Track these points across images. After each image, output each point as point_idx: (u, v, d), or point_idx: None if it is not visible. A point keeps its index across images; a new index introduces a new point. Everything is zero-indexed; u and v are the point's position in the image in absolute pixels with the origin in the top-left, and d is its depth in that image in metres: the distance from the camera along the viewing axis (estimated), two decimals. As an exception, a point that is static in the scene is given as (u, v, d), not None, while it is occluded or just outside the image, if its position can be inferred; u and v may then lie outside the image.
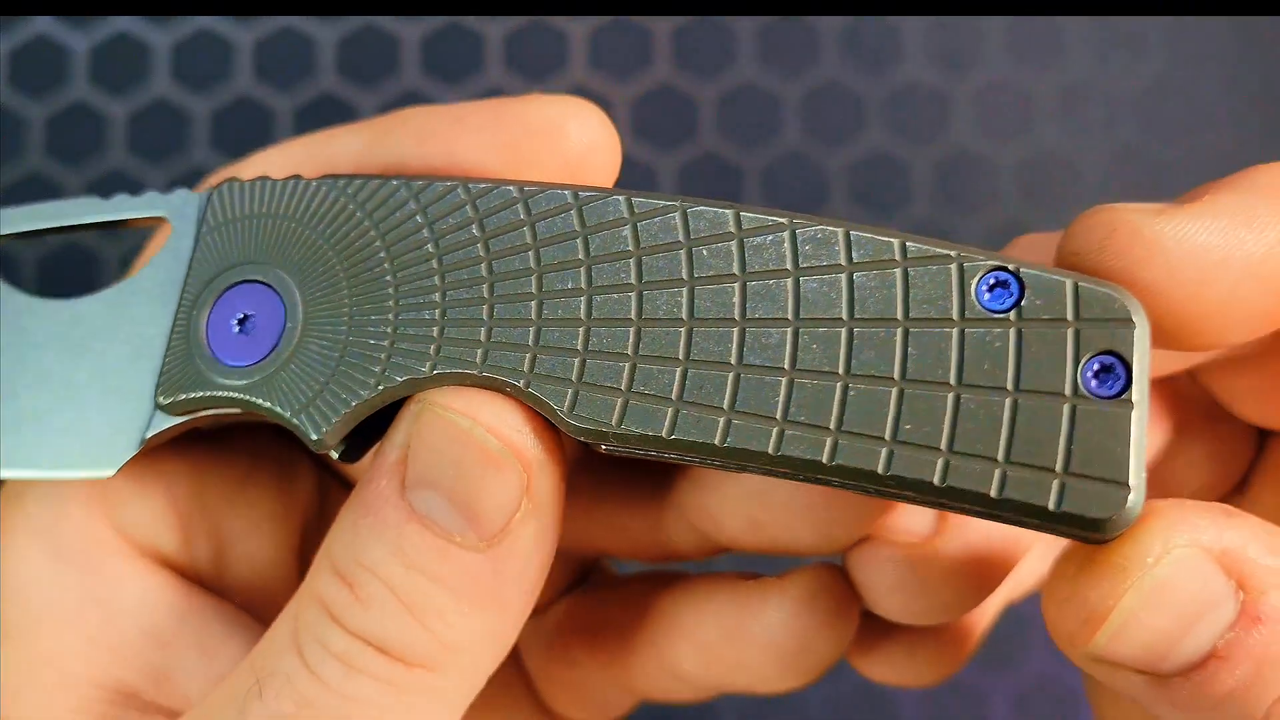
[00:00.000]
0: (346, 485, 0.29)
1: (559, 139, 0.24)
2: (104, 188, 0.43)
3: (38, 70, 0.44)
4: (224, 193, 0.23)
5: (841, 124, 0.43)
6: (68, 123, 0.43)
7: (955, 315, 0.20)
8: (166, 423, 0.23)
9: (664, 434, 0.20)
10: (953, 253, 0.20)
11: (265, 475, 0.27)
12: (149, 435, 0.23)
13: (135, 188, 0.43)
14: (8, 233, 0.24)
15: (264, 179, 0.23)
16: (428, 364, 0.21)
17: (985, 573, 0.25)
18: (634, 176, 0.43)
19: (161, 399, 0.23)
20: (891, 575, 0.25)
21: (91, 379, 0.23)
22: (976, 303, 0.20)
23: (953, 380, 0.20)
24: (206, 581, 0.26)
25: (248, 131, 0.43)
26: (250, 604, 0.27)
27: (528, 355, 0.21)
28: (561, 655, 0.29)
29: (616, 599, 0.29)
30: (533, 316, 0.21)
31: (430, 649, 0.21)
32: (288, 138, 0.44)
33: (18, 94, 0.43)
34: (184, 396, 0.23)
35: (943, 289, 0.20)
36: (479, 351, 0.21)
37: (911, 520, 0.25)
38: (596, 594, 0.29)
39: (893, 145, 0.43)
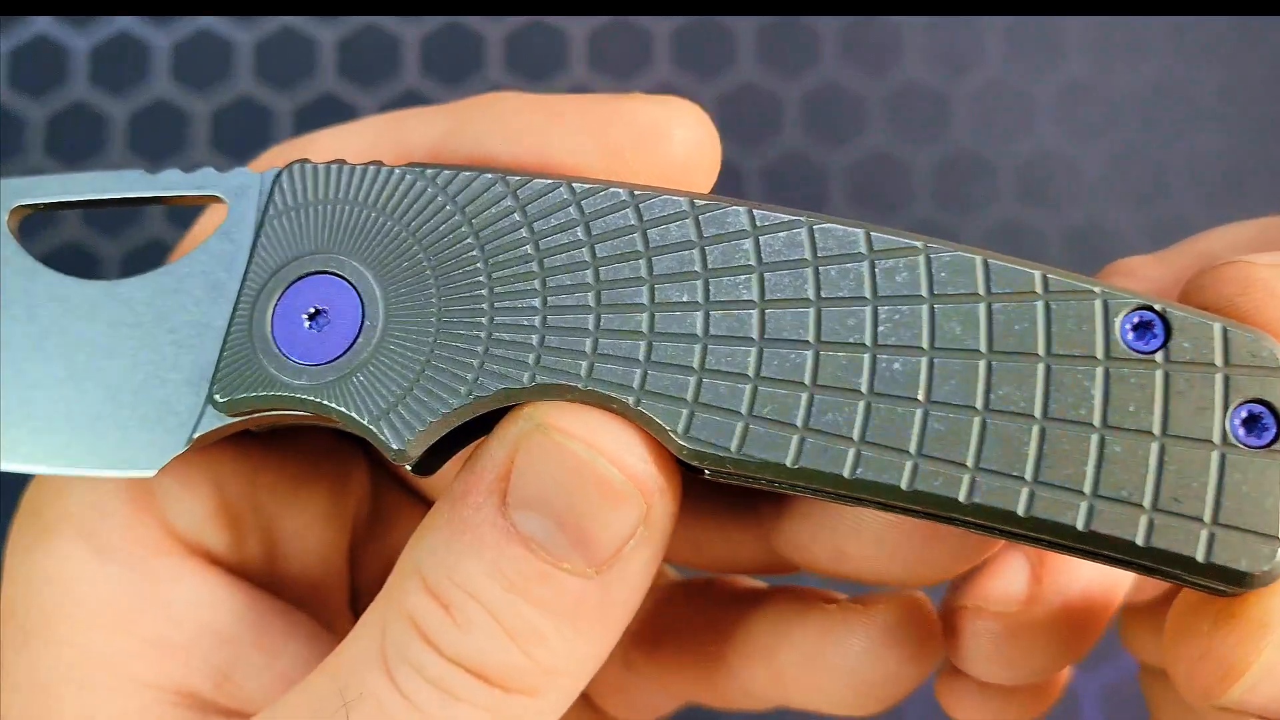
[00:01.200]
0: (399, 482, 0.28)
1: (665, 143, 0.22)
2: (104, 188, 0.43)
3: (38, 70, 0.44)
4: (294, 175, 0.22)
5: (841, 124, 0.43)
6: (68, 123, 0.43)
7: (1099, 353, 0.19)
8: (218, 422, 0.21)
9: (788, 463, 0.19)
10: (1096, 288, 0.19)
11: (320, 473, 0.26)
12: (197, 435, 0.21)
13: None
14: (48, 201, 0.23)
15: (339, 162, 0.22)
16: (526, 374, 0.20)
17: (1082, 631, 0.25)
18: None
19: (218, 396, 0.21)
20: (989, 646, 0.24)
21: (134, 368, 0.22)
22: (1120, 341, 0.19)
23: (1096, 421, 0.19)
24: (255, 579, 0.25)
25: (248, 132, 0.43)
26: (300, 600, 0.26)
27: (638, 370, 0.20)
28: (619, 657, 0.28)
29: (680, 607, 0.28)
30: (644, 329, 0.20)
31: (530, 675, 0.20)
32: (288, 138, 0.44)
33: (18, 94, 0.43)
34: (244, 395, 0.21)
35: (1085, 325, 0.19)
36: (584, 364, 0.20)
37: (1006, 584, 0.25)
38: (656, 599, 0.28)
39: (893, 145, 0.43)
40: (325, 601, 0.26)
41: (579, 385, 0.20)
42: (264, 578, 0.25)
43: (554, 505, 0.20)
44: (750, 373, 0.20)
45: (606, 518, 0.20)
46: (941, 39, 0.44)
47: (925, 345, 0.20)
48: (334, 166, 0.22)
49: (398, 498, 0.29)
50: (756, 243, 0.20)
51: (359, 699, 0.20)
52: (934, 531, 0.24)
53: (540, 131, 0.23)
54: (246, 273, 0.22)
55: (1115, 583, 0.25)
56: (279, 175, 0.22)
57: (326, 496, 0.26)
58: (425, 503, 0.29)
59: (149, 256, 0.43)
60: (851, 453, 0.19)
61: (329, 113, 0.43)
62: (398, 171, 0.21)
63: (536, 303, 0.20)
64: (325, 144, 0.24)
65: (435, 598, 0.20)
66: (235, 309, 0.21)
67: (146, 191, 0.23)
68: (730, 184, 0.43)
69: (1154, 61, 0.44)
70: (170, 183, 0.23)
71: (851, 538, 0.24)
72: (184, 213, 0.43)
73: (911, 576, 0.24)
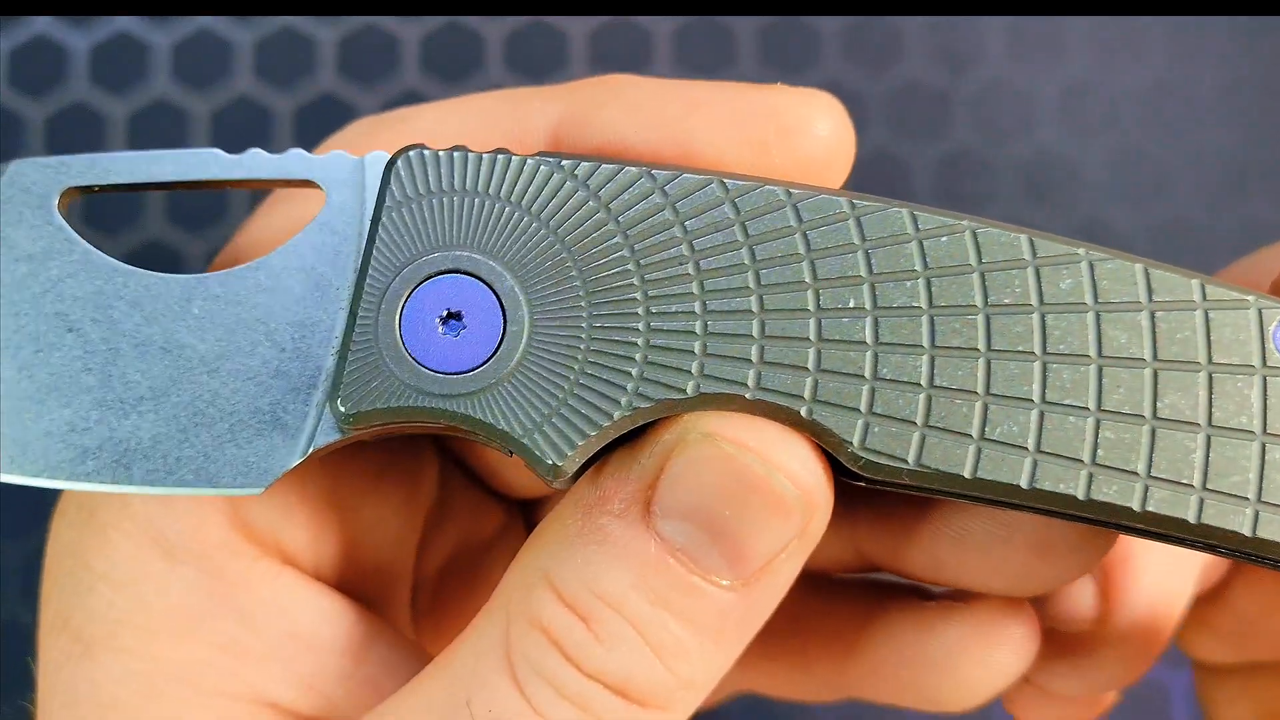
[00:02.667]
0: (463, 471, 0.27)
1: (809, 137, 0.22)
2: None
3: (38, 70, 0.43)
4: (412, 163, 0.20)
5: (842, 124, 0.43)
6: (68, 123, 0.43)
7: (1255, 362, 0.19)
8: (336, 435, 0.20)
9: (965, 474, 0.19)
10: (1250, 297, 0.19)
11: (397, 463, 0.25)
12: (313, 449, 0.20)
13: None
14: (124, 183, 0.21)
15: (461, 149, 0.20)
16: (690, 383, 0.19)
17: (1149, 645, 0.25)
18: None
19: (343, 408, 0.19)
20: (1062, 662, 0.25)
21: (229, 375, 0.20)
22: (1276, 350, 0.19)
23: (1257, 429, 0.19)
24: (329, 578, 0.24)
25: (247, 131, 0.43)
26: (369, 598, 0.24)
27: (809, 379, 0.19)
28: None
29: None
30: (811, 336, 0.19)
31: (669, 689, 0.20)
32: (288, 138, 0.44)
33: (18, 94, 0.43)
34: (376, 408, 0.19)
35: (1242, 334, 0.19)
36: (751, 372, 0.19)
37: (1077, 602, 0.25)
38: None
39: (893, 144, 0.43)
40: (391, 598, 0.25)
41: (746, 395, 0.19)
42: (337, 577, 0.24)
43: (710, 517, 0.19)
44: (923, 381, 0.19)
45: (767, 531, 0.19)
46: (942, 39, 0.44)
47: (1092, 353, 0.19)
48: (456, 154, 0.20)
49: (461, 487, 0.27)
50: (920, 246, 0.20)
51: (489, 717, 0.19)
52: (1043, 546, 0.23)
53: (679, 120, 0.21)
54: (364, 271, 0.20)
55: (1178, 596, 0.25)
56: (395, 162, 0.20)
57: (403, 488, 0.25)
58: (488, 493, 0.28)
59: (148, 258, 0.43)
60: (1028, 463, 0.19)
61: (329, 113, 0.43)
62: (531, 161, 0.20)
63: (695, 307, 0.19)
64: (424, 123, 0.23)
65: (573, 610, 0.19)
66: (354, 311, 0.20)
67: (227, 174, 0.21)
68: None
69: (1155, 61, 0.44)
70: (255, 165, 0.21)
71: (952, 548, 0.24)
72: (190, 211, 0.43)
73: (1011, 588, 0.24)
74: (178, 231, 0.43)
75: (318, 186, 0.20)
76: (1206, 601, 0.26)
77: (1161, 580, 0.25)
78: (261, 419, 0.20)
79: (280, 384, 0.20)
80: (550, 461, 0.19)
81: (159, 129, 0.43)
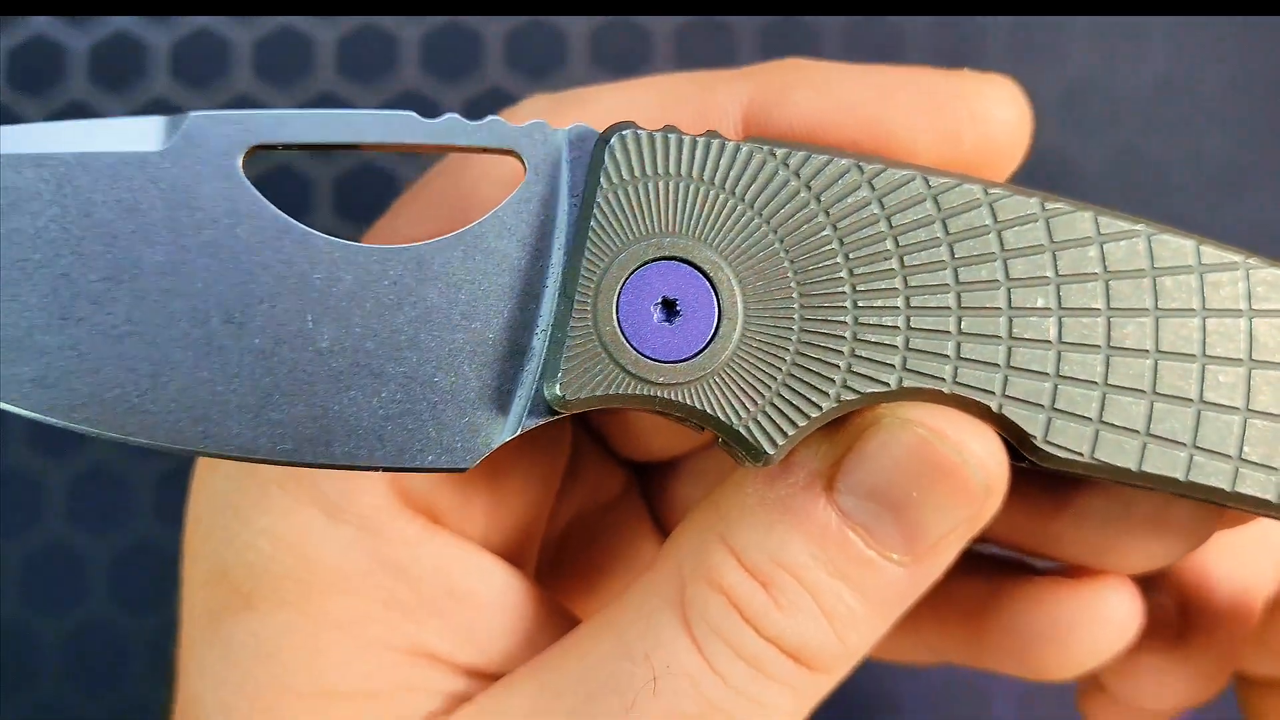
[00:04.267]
0: (591, 434, 0.28)
1: (998, 125, 0.22)
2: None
3: (37, 70, 0.43)
4: (626, 143, 0.19)
5: (842, 124, 0.43)
6: (67, 122, 0.43)
7: None
8: (545, 416, 0.20)
9: (1133, 467, 0.20)
10: None
11: (543, 433, 0.25)
12: (521, 429, 0.20)
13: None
14: (313, 142, 0.20)
15: (673, 131, 0.20)
16: (893, 377, 0.20)
17: (1229, 656, 0.26)
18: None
19: (562, 393, 0.19)
20: (1145, 678, 0.26)
21: (426, 350, 0.19)
22: None
23: None
24: (473, 539, 0.24)
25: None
26: (507, 556, 0.25)
27: (999, 375, 0.20)
28: None
29: None
30: (1002, 334, 0.20)
31: (837, 656, 0.21)
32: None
33: (18, 94, 0.43)
34: (596, 394, 0.19)
35: None
36: (948, 367, 0.20)
37: (1157, 620, 0.26)
38: None
39: (893, 145, 0.43)
40: (526, 558, 0.25)
41: (944, 389, 0.20)
42: (482, 537, 0.24)
43: (895, 496, 0.20)
44: (1099, 379, 0.20)
45: (948, 513, 0.20)
46: (942, 39, 0.44)
47: (1245, 357, 0.20)
48: (670, 136, 0.20)
49: (587, 451, 0.28)
50: (1101, 250, 0.20)
51: (667, 672, 0.20)
52: (1159, 523, 0.24)
53: (874, 106, 0.22)
54: (578, 253, 0.19)
55: (1248, 612, 0.26)
56: (609, 142, 0.19)
57: (546, 452, 0.25)
58: (609, 457, 0.29)
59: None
60: (1184, 456, 0.20)
61: (328, 112, 0.43)
62: (745, 148, 0.20)
63: (899, 302, 0.20)
64: (605, 104, 0.23)
65: (754, 575, 0.20)
66: (569, 295, 0.19)
67: (421, 139, 0.20)
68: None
69: (1155, 61, 0.43)
70: (451, 131, 0.20)
71: (1072, 525, 0.25)
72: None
73: (1123, 564, 0.25)
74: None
75: (517, 156, 0.20)
76: (1264, 613, 0.27)
77: (1238, 586, 0.26)
78: (465, 397, 0.19)
79: (482, 362, 0.19)
80: (769, 451, 0.20)
81: (158, 129, 0.43)
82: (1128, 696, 0.27)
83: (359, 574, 0.22)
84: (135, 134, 0.19)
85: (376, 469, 0.19)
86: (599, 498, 0.29)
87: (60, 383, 0.19)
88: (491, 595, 0.23)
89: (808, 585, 0.20)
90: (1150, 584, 0.26)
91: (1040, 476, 0.22)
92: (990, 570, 0.27)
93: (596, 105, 0.22)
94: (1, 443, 0.42)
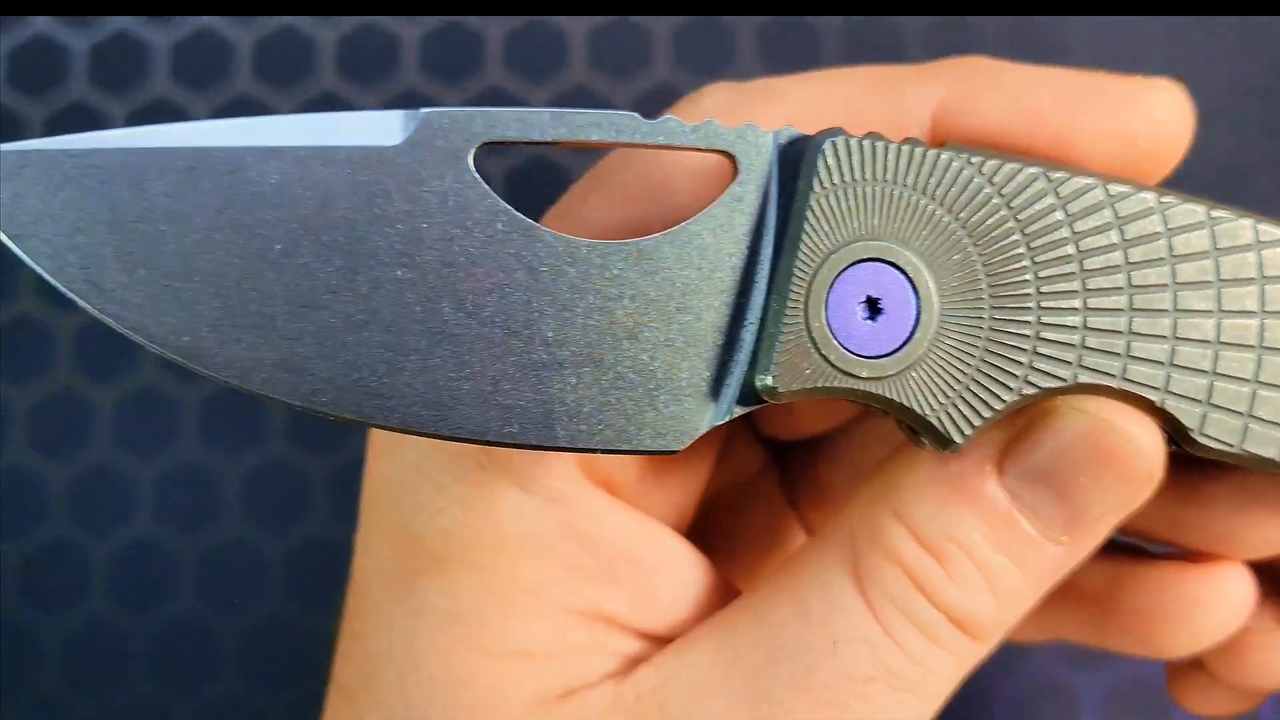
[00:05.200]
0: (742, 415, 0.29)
1: (1172, 131, 0.24)
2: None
3: (38, 70, 0.43)
4: (838, 149, 0.21)
5: (841, 124, 0.43)
6: (68, 123, 0.43)
7: None
8: (751, 404, 0.21)
9: (1276, 457, 0.22)
10: None
11: None
12: (730, 416, 0.21)
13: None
14: (540, 139, 0.21)
15: (878, 139, 0.21)
16: (1069, 372, 0.21)
17: None
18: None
19: (774, 384, 0.21)
20: (1256, 660, 0.27)
21: (645, 339, 0.21)
22: None
23: None
24: (645, 510, 0.25)
25: (247, 131, 0.43)
26: (672, 526, 0.26)
27: (1163, 372, 0.21)
28: None
29: None
30: (1168, 333, 0.21)
31: (996, 625, 0.22)
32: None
33: (18, 94, 0.43)
34: (805, 387, 0.21)
35: None
36: (1118, 364, 0.21)
37: (1263, 606, 0.27)
38: None
39: (893, 145, 0.43)
40: (682, 530, 0.27)
41: (1113, 384, 0.21)
42: (653, 510, 0.26)
43: (1063, 480, 0.22)
44: (1250, 376, 0.22)
45: (1110, 498, 0.22)
46: (941, 39, 0.44)
47: None
48: (876, 143, 0.21)
49: (737, 430, 0.30)
50: (1259, 256, 0.22)
51: (845, 636, 0.22)
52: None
53: (1057, 112, 0.23)
54: (791, 253, 0.21)
55: None
56: (822, 148, 0.21)
57: (713, 430, 0.26)
58: (754, 436, 0.30)
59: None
60: None
61: (329, 112, 0.43)
62: (944, 156, 0.21)
63: (1077, 303, 0.21)
64: (795, 98, 0.24)
65: (928, 550, 0.22)
66: (781, 292, 0.21)
67: (644, 139, 0.21)
68: (730, 184, 0.43)
69: (1154, 61, 0.43)
70: (671, 132, 0.21)
71: (1199, 511, 0.26)
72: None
73: (1241, 550, 0.26)
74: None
75: (730, 156, 0.21)
76: None
77: None
78: (677, 385, 0.21)
79: (695, 352, 0.21)
80: (956, 440, 0.21)
81: (159, 129, 0.43)
82: (1233, 674, 0.28)
83: (547, 541, 0.23)
84: (372, 128, 0.20)
85: (595, 450, 0.21)
86: (740, 474, 0.30)
87: (301, 368, 0.20)
88: (664, 563, 0.24)
89: (977, 561, 0.22)
90: (1258, 566, 0.28)
91: (1172, 466, 0.23)
92: (1111, 553, 0.28)
93: (783, 101, 0.23)
94: (1, 442, 0.42)
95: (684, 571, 0.25)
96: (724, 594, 0.25)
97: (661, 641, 0.24)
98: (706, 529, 0.28)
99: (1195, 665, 0.29)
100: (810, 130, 0.21)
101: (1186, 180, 0.45)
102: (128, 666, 0.41)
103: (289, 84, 0.43)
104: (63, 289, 0.20)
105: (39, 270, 0.20)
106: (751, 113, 0.23)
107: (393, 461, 0.24)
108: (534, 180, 0.43)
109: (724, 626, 0.23)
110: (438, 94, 0.43)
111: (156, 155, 0.20)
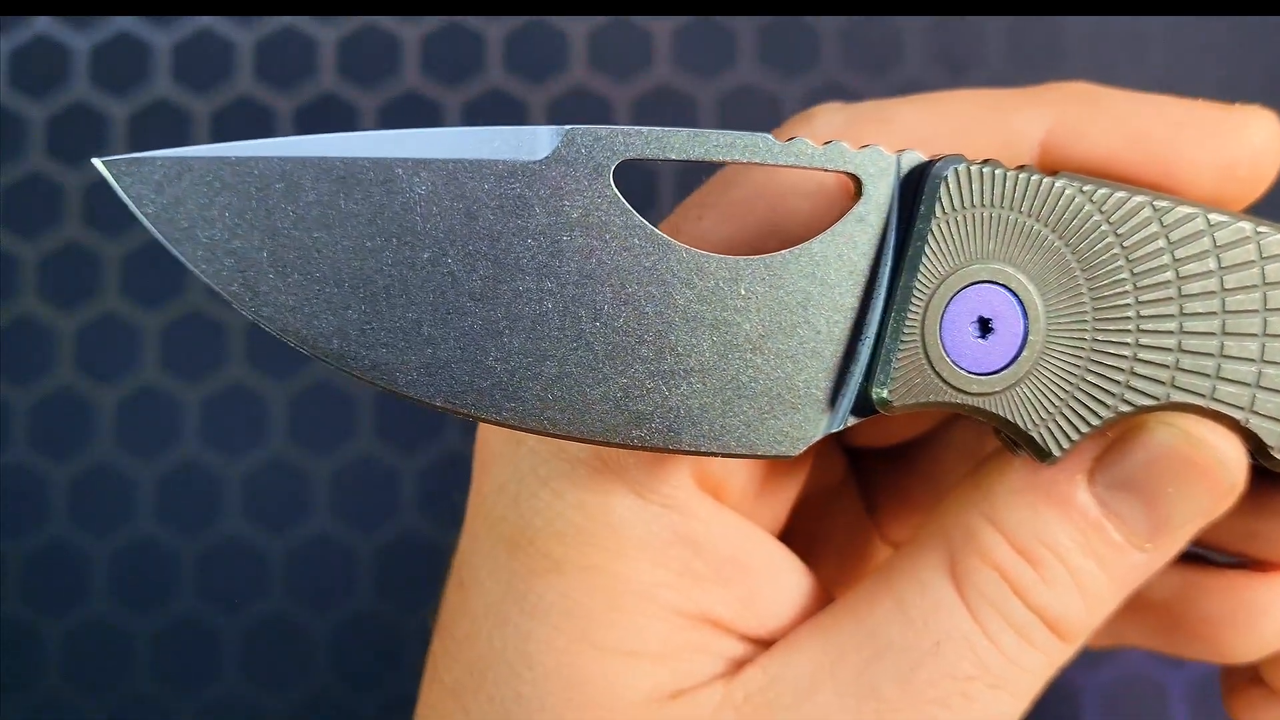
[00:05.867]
0: None
1: (1266, 161, 0.24)
2: (105, 188, 0.43)
3: (38, 70, 0.44)
4: (960, 176, 0.22)
5: (841, 124, 0.43)
6: (68, 123, 0.43)
7: None
8: (865, 414, 0.22)
9: None
10: None
11: None
12: (844, 425, 0.22)
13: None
14: (676, 158, 0.22)
15: (995, 166, 0.22)
16: (1163, 391, 0.22)
17: None
18: (633, 175, 0.43)
19: (889, 396, 0.22)
20: None
21: (773, 351, 0.22)
22: None
23: None
24: (749, 516, 0.26)
25: (248, 131, 0.43)
26: (769, 531, 0.27)
27: (1249, 392, 0.23)
28: None
29: None
30: (1255, 356, 0.23)
31: (1084, 627, 0.23)
32: (288, 138, 0.44)
33: (18, 94, 0.43)
34: (919, 401, 0.22)
35: None
36: (1208, 384, 0.22)
37: None
38: None
39: (893, 145, 0.43)
40: (775, 535, 0.28)
41: (1202, 404, 0.23)
42: (757, 516, 0.27)
43: (1151, 491, 0.23)
44: None
45: (1194, 509, 0.23)
46: (941, 39, 0.44)
47: None
48: (995, 170, 0.22)
49: (826, 438, 0.31)
50: None
51: (948, 638, 0.23)
52: None
53: (1164, 142, 0.24)
54: (910, 272, 0.22)
55: None
56: (944, 175, 0.22)
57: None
58: (838, 444, 0.31)
59: (149, 256, 0.43)
60: None
61: (329, 113, 0.43)
62: (1058, 183, 0.22)
63: (1173, 326, 0.22)
64: (908, 120, 0.25)
65: (1023, 554, 0.23)
66: (900, 310, 0.22)
67: (775, 160, 0.22)
68: (730, 184, 0.43)
69: (1154, 61, 0.44)
70: (800, 153, 0.22)
71: (1270, 522, 0.27)
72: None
73: None
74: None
75: (854, 178, 0.22)
76: None
77: None
78: (796, 394, 0.22)
79: (815, 364, 0.22)
80: (1054, 453, 0.22)
81: (160, 129, 0.43)
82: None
83: (660, 546, 0.24)
84: (516, 143, 0.21)
85: (716, 454, 0.22)
86: (825, 482, 0.31)
87: (445, 370, 0.21)
88: (768, 568, 0.25)
89: (1069, 565, 0.23)
90: None
91: (1247, 479, 0.24)
92: (1179, 562, 0.29)
93: (896, 124, 0.25)
94: (2, 442, 0.42)
95: (785, 576, 0.25)
96: (819, 598, 0.26)
97: (762, 644, 0.25)
98: (790, 536, 0.29)
99: (1254, 680, 0.29)
100: (918, 149, 0.23)
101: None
102: (128, 666, 0.41)
103: (289, 84, 0.43)
104: (219, 291, 0.21)
105: (195, 271, 0.21)
106: (866, 135, 0.24)
107: (507, 467, 0.25)
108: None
109: (826, 628, 0.24)
110: (438, 94, 0.43)
111: (311, 165, 0.21)
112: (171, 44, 0.44)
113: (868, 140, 0.22)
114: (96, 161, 0.21)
